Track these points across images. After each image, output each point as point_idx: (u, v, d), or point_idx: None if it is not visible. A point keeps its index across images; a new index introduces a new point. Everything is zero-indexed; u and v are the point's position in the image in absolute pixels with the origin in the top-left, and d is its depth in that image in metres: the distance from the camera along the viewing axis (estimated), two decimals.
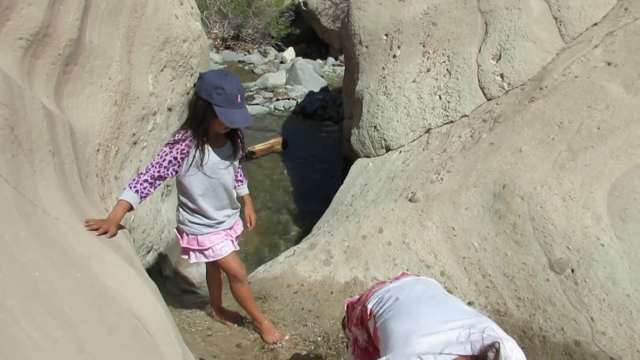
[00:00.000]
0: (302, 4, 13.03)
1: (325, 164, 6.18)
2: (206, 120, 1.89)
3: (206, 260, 2.24)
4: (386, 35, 4.66)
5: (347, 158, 5.31)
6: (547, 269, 2.29)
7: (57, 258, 1.43)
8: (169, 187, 3.63)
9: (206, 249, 2.19)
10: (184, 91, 3.76)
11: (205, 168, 2.00)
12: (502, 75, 3.77)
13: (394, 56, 4.48)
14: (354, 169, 4.24)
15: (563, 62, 3.51)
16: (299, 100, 8.67)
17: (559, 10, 3.87)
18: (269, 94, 9.10)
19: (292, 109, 8.41)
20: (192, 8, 4.12)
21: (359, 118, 4.51)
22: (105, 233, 1.70)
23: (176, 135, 1.96)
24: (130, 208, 1.89)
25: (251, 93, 9.08)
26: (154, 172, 1.92)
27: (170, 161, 1.93)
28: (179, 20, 3.58)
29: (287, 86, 9.51)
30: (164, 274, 3.25)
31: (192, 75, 3.88)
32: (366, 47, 4.80)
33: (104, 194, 2.38)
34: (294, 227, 4.78)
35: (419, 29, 4.43)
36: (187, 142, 1.94)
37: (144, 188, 1.91)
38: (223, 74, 1.90)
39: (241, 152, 2.18)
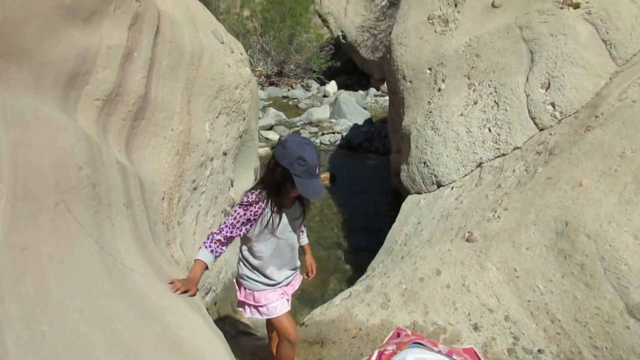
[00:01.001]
0: (341, 37, 13.35)
1: (374, 198, 6.17)
2: (284, 187, 1.92)
3: (260, 317, 2.23)
4: (429, 69, 4.68)
5: (396, 192, 5.28)
6: (625, 314, 2.15)
7: (136, 310, 1.51)
8: None
9: (261, 306, 2.19)
10: (237, 135, 3.91)
11: (276, 231, 2.03)
12: (553, 104, 3.68)
13: (439, 90, 4.49)
14: (406, 206, 4.21)
15: (618, 87, 3.39)
16: (344, 133, 8.77)
17: (607, 33, 3.75)
18: (314, 129, 9.28)
19: (338, 142, 8.51)
20: (242, 54, 4.32)
21: (407, 154, 4.50)
22: (186, 292, 1.78)
23: (249, 196, 1.98)
24: (206, 267, 1.95)
25: (297, 128, 9.28)
26: (226, 232, 1.96)
27: (243, 222, 1.96)
28: (230, 69, 3.77)
29: (332, 120, 9.67)
30: (221, 315, 3.31)
31: (244, 119, 4.04)
32: (410, 81, 4.84)
33: (169, 240, 2.49)
34: (346, 264, 4.75)
35: (462, 62, 4.42)
36: (260, 204, 1.96)
37: (217, 247, 1.96)
38: (304, 142, 1.92)
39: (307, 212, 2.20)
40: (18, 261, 1.27)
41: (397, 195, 5.06)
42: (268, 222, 1.98)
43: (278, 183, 1.92)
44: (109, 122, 2.34)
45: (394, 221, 4.19)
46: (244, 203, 1.97)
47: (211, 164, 3.27)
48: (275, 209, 1.98)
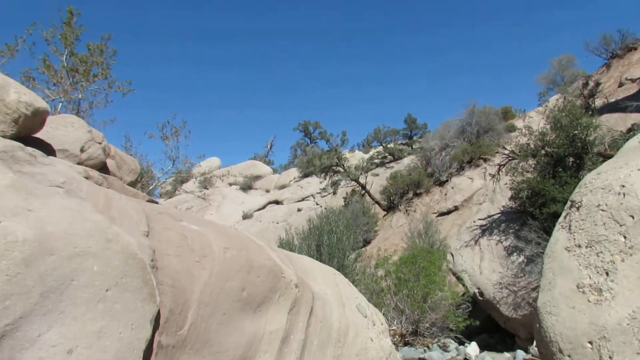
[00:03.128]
0: (477, 294, 12.99)
1: None
2: None
3: None
4: (590, 342, 4.22)
5: None
6: None
7: None
8: None
9: None
10: None
11: None
12: None
13: None
14: None
15: None
16: None
17: None
18: None
19: None
20: (382, 324, 4.45)
21: None
22: None
23: None
24: None
25: None
26: None
27: None
28: (373, 342, 3.86)
29: None
30: None
31: None
32: (569, 356, 4.35)
33: None
34: None
35: (630, 336, 3.94)
36: None
37: None
38: None
39: None
40: None
41: None
42: None
43: None
44: None
45: None
46: None
47: None
48: None
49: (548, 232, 10.44)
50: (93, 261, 1.67)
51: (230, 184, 29.34)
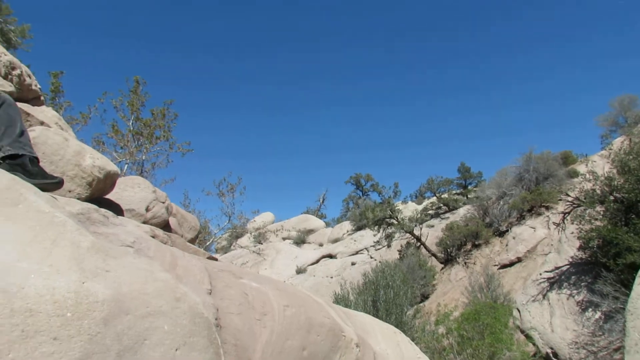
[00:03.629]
0: (551, 355, 11.97)
1: None
2: None
3: None
4: None
5: None
6: None
7: None
8: None
9: None
10: None
11: None
12: None
13: None
14: None
15: None
16: None
17: None
18: None
19: None
20: None
21: None
22: None
23: None
24: None
25: None
26: None
27: None
28: None
29: None
30: None
31: None
32: None
33: None
34: None
35: None
36: None
37: None
38: None
39: None
40: None
41: None
42: None
43: None
44: None
45: None
46: None
47: None
48: None
49: (626, 285, 9.59)
50: (164, 320, 1.73)
51: (284, 239, 29.62)
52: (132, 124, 14.93)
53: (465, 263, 17.06)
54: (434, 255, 18.78)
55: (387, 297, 11.78)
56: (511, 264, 15.50)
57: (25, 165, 2.65)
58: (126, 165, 14.03)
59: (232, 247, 28.03)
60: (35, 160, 2.76)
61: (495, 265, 15.73)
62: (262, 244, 28.36)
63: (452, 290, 15.90)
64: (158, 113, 15.34)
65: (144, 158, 15.09)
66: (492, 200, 19.37)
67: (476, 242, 17.76)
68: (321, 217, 37.34)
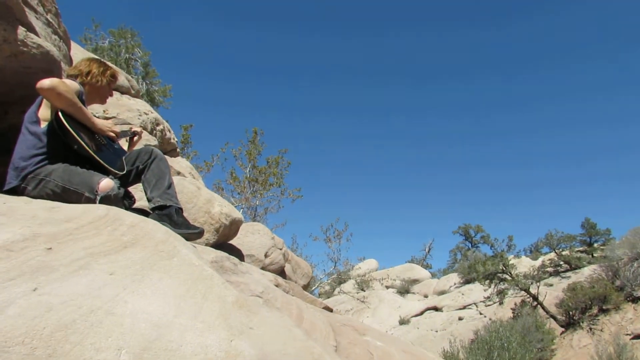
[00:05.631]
0: None
1: None
2: None
3: None
4: None
5: None
6: None
7: None
8: None
9: None
10: None
11: None
12: None
13: None
14: None
15: None
16: None
17: None
18: None
19: None
20: None
21: None
22: None
23: None
24: None
25: None
26: None
27: None
28: None
29: None
30: None
31: None
32: None
33: None
34: None
35: None
36: None
37: None
38: None
39: None
40: None
41: None
42: None
43: None
44: None
45: None
46: None
47: None
48: None
49: None
50: None
51: (387, 287, 29.11)
52: (248, 171, 16.34)
53: (590, 329, 15.26)
54: (553, 317, 17.08)
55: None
56: None
57: (172, 216, 2.81)
58: (241, 210, 15.26)
59: (335, 292, 28.27)
60: (180, 210, 2.91)
61: (627, 334, 13.85)
62: (365, 291, 28.20)
63: (574, 357, 14.26)
64: (273, 161, 16.63)
65: (257, 203, 16.31)
66: (623, 262, 17.27)
67: (604, 307, 15.84)
68: (426, 267, 36.12)
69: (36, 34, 3.76)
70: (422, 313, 23.40)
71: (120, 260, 1.68)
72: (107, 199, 2.47)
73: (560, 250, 23.12)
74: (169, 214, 2.82)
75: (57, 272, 1.53)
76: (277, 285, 3.97)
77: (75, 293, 1.44)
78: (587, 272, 19.29)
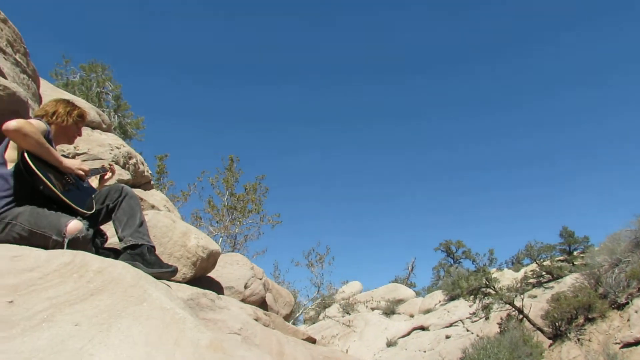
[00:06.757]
0: None
1: None
2: None
3: None
4: None
5: None
6: None
7: None
8: None
9: None
10: None
11: None
12: None
13: None
14: None
15: None
16: None
17: None
18: None
19: None
20: None
21: None
22: None
23: None
24: None
25: None
26: None
27: None
28: None
29: None
30: None
31: None
32: None
33: None
34: None
35: None
36: None
37: None
38: None
39: None
40: None
41: None
42: None
43: None
44: None
45: None
46: None
47: None
48: None
49: None
50: None
51: (373, 309, 28.88)
52: (226, 199, 16.18)
53: (578, 339, 15.34)
54: (539, 329, 17.15)
55: None
56: (637, 343, 13.65)
57: (144, 255, 2.76)
58: (220, 239, 15.01)
59: (320, 317, 27.88)
60: (152, 249, 2.88)
61: (616, 343, 13.97)
62: (350, 314, 27.91)
63: None
64: (250, 188, 16.51)
65: (237, 231, 16.09)
66: (604, 268, 17.56)
67: (589, 316, 15.99)
68: (410, 285, 36.05)
69: (3, 75, 3.68)
70: (409, 333, 23.23)
71: (86, 309, 1.60)
72: (75, 242, 2.38)
73: (541, 260, 23.42)
74: (141, 253, 2.76)
75: (18, 327, 1.44)
76: (256, 319, 3.87)
77: (37, 349, 1.35)
78: (569, 281, 19.52)
